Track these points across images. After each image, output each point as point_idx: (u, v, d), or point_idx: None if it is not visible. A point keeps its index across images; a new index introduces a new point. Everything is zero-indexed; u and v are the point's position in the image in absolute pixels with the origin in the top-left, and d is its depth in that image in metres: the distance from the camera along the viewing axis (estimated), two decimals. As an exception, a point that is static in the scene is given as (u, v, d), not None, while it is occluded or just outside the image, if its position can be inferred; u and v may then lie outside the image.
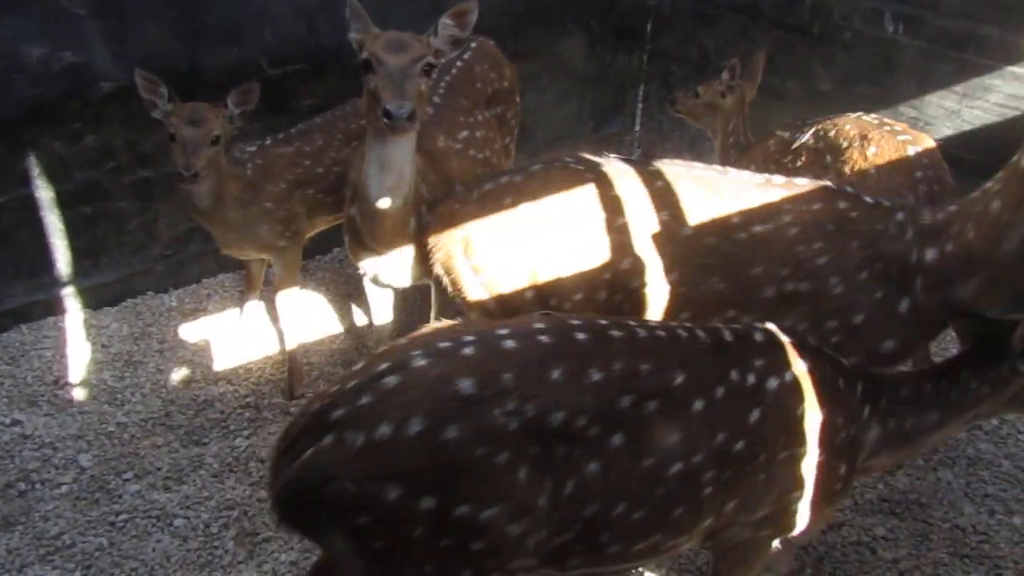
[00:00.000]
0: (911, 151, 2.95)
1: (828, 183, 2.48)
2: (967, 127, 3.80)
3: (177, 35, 3.86)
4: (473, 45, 3.70)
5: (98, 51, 3.72)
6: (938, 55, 3.81)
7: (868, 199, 2.38)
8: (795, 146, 3.31)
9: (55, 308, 4.07)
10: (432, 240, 2.71)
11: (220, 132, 3.17)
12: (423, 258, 2.84)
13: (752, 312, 2.38)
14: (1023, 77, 3.57)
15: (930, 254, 2.24)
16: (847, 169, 3.02)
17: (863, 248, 2.28)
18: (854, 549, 2.96)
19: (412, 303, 3.96)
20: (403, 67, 2.60)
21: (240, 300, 4.21)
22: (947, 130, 3.68)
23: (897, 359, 2.45)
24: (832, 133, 3.20)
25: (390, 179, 2.80)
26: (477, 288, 2.65)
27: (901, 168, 2.91)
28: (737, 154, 3.86)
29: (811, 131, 3.30)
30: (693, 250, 2.44)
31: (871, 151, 3.00)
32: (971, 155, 3.77)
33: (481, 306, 2.67)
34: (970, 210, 2.23)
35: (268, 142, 3.59)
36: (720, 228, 2.44)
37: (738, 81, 3.88)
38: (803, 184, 2.49)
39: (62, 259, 4.00)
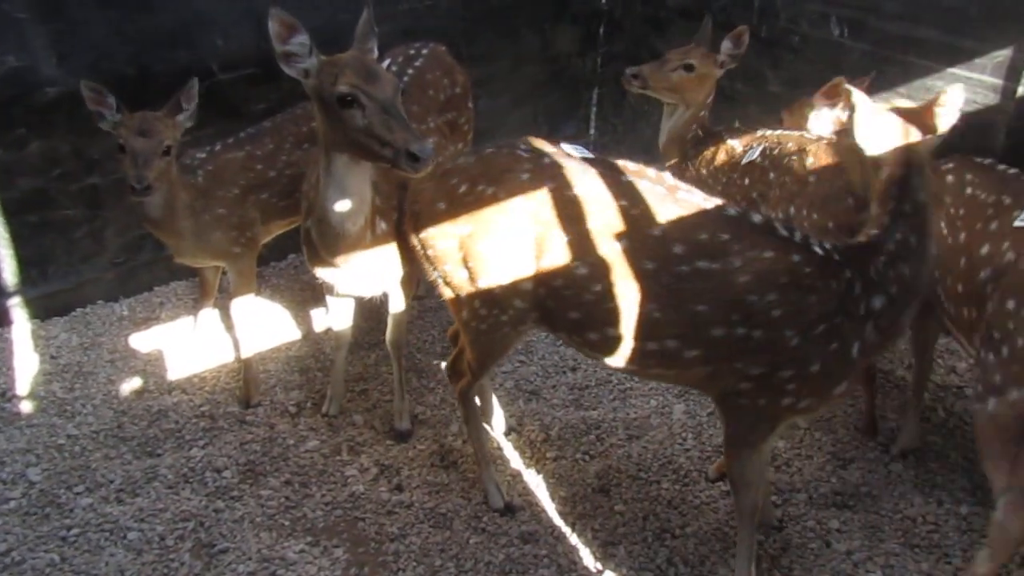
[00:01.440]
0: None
1: (780, 230, 2.45)
2: (911, 127, 3.89)
3: (124, 39, 3.79)
4: (425, 51, 3.69)
5: (42, 56, 3.64)
6: (882, 57, 3.91)
7: (818, 251, 2.40)
8: (744, 163, 3.36)
9: (1, 319, 3.98)
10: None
11: (171, 142, 3.11)
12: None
13: (697, 347, 2.45)
14: (963, 79, 3.67)
15: (878, 302, 2.35)
16: (788, 180, 3.10)
17: (820, 304, 2.35)
18: (810, 542, 3.02)
19: (370, 309, 3.94)
20: (391, 98, 2.55)
21: (194, 308, 4.15)
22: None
23: (845, 394, 2.63)
24: (776, 151, 3.29)
25: (352, 203, 2.79)
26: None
27: (839, 175, 2.98)
28: (692, 150, 3.83)
29: (759, 149, 3.36)
30: (630, 267, 2.45)
31: (808, 161, 3.08)
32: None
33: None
34: (894, 251, 2.33)
35: (218, 147, 3.54)
36: (661, 255, 2.44)
37: (740, 51, 3.71)
38: (756, 224, 2.45)
39: (8, 269, 3.91)
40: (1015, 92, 3.51)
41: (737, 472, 2.66)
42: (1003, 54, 3.51)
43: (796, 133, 3.40)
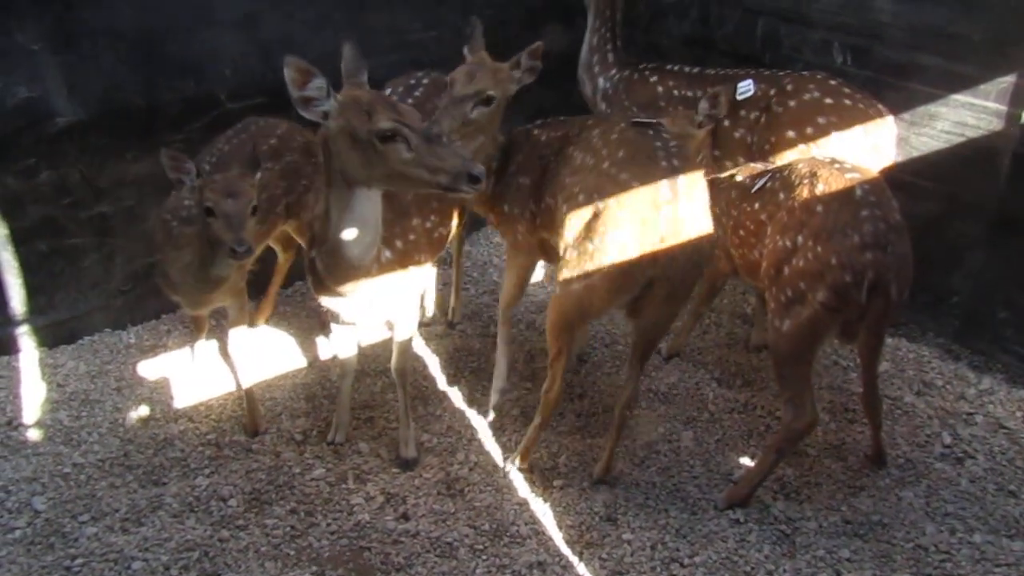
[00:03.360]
0: (857, 190, 2.99)
1: None
2: (915, 153, 3.90)
3: (134, 69, 3.83)
4: (425, 81, 3.72)
5: (54, 86, 3.68)
6: (885, 84, 3.92)
7: None
8: (755, 190, 3.36)
9: (9, 347, 3.99)
10: None
11: (256, 201, 3.07)
12: None
13: None
14: (966, 105, 3.69)
15: None
16: (796, 206, 3.08)
17: None
18: (820, 572, 2.98)
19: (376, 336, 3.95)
20: (429, 128, 2.63)
21: (189, 341, 4.17)
22: (896, 157, 3.78)
23: None
24: (787, 172, 3.26)
25: (366, 235, 2.81)
26: None
27: (846, 206, 2.95)
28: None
29: (769, 174, 3.35)
30: None
31: (819, 188, 3.05)
32: (920, 181, 3.89)
33: None
34: None
35: None
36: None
37: (717, 111, 3.72)
38: None
39: (16, 297, 3.93)
40: (1019, 118, 3.52)
41: None
42: (1007, 80, 3.52)
43: (809, 155, 3.39)
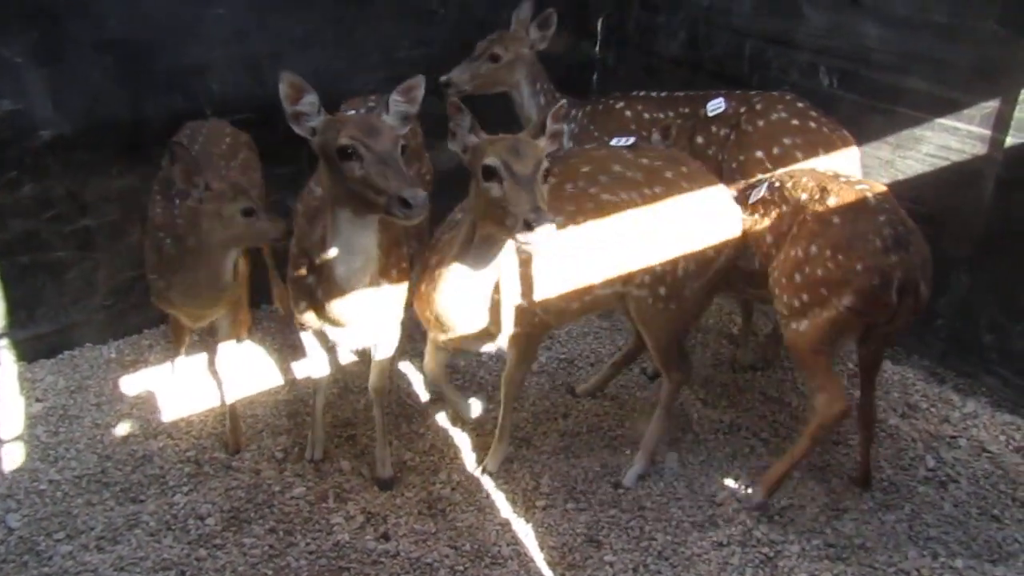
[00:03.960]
0: (871, 198, 3.03)
1: None
2: (900, 176, 3.92)
3: (119, 83, 3.82)
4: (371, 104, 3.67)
5: (38, 99, 3.66)
6: (871, 108, 3.95)
7: None
8: (752, 202, 3.37)
9: (-13, 361, 3.95)
10: None
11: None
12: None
13: None
14: (951, 129, 3.71)
15: None
16: (809, 220, 3.08)
17: None
18: (802, 596, 2.97)
19: (360, 353, 3.92)
20: (390, 150, 2.57)
21: (169, 356, 4.15)
22: (882, 179, 3.79)
23: None
24: (789, 184, 3.26)
25: (359, 260, 2.80)
26: None
27: (863, 215, 2.98)
28: None
29: (765, 185, 3.36)
30: None
31: (831, 201, 3.07)
32: (904, 203, 3.88)
33: None
34: None
35: None
36: None
37: (670, 143, 3.69)
38: None
39: (-4, 310, 3.90)
40: (1003, 143, 3.54)
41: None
42: (991, 105, 3.55)
43: (808, 168, 3.40)
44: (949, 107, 3.68)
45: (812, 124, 3.69)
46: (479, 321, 2.96)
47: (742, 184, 3.57)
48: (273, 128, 3.99)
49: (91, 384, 3.94)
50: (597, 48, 5.27)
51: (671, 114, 4.04)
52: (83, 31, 3.68)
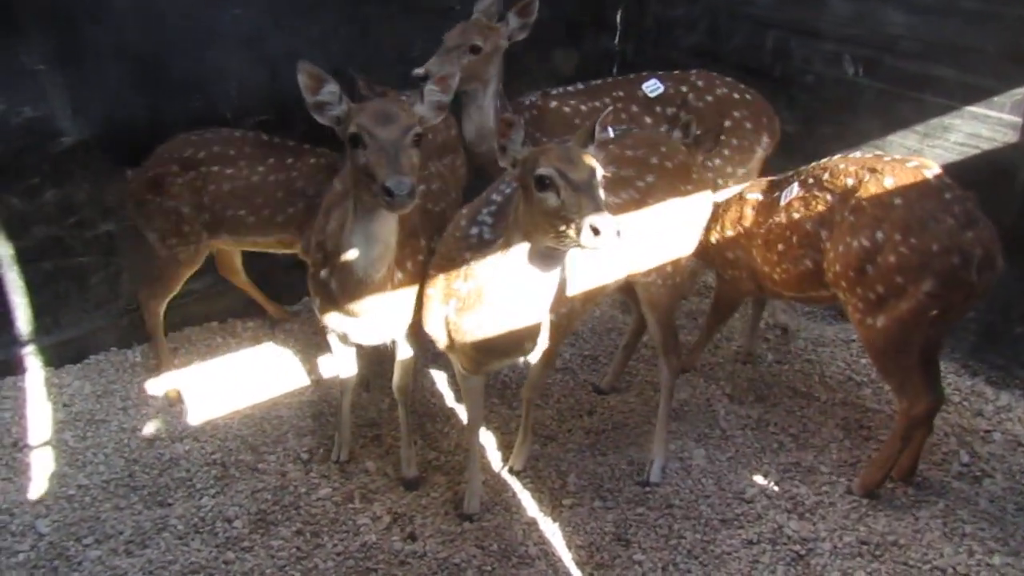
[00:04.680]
0: (929, 175, 2.95)
1: None
2: (929, 166, 3.84)
3: (138, 87, 3.82)
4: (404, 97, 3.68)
5: (58, 105, 3.67)
6: (898, 96, 3.88)
7: None
8: (784, 203, 3.31)
9: (14, 367, 3.97)
10: None
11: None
12: None
13: None
14: (980, 116, 3.63)
15: None
16: (866, 205, 2.99)
17: None
18: (835, 594, 2.93)
19: (377, 353, 3.90)
20: (395, 139, 2.51)
21: (204, 355, 4.16)
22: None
23: None
24: (826, 176, 3.18)
25: (377, 251, 2.76)
26: None
27: (928, 194, 2.90)
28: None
29: (795, 183, 3.30)
30: None
31: (888, 182, 2.98)
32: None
33: None
34: None
35: None
36: None
37: (691, 140, 3.58)
38: None
39: (22, 317, 3.91)
40: (1037, 129, 3.46)
41: None
42: (1021, 91, 3.47)
43: (839, 156, 3.33)
44: (978, 94, 3.61)
45: (748, 96, 3.98)
46: (536, 344, 2.88)
47: (760, 188, 3.52)
48: (291, 129, 4.03)
49: (117, 388, 3.96)
50: (616, 41, 5.22)
51: (607, 100, 4.02)
52: (101, 37, 3.68)
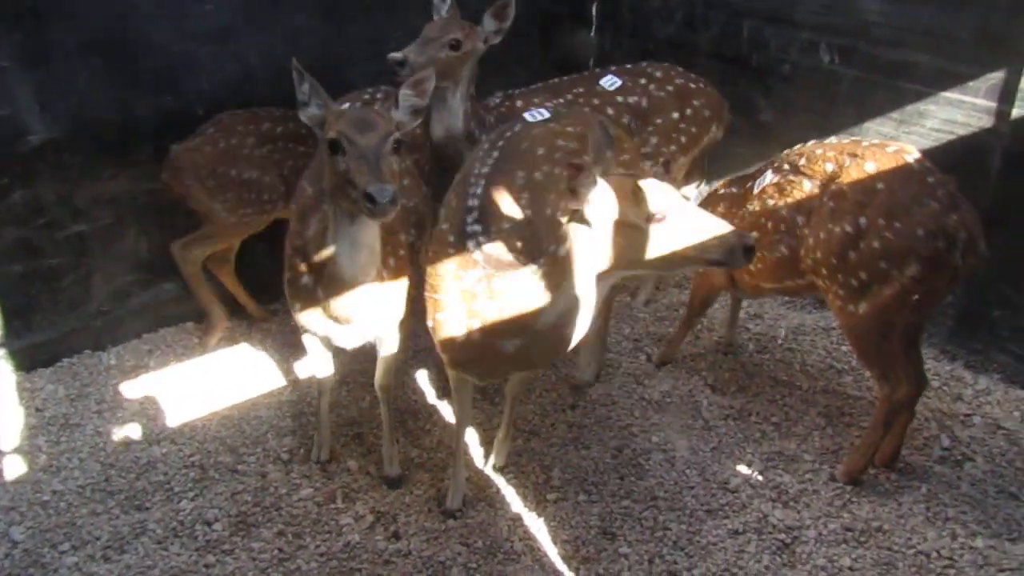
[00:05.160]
0: (910, 159, 2.95)
1: None
2: (906, 153, 3.86)
3: (108, 85, 3.74)
4: (379, 96, 3.64)
5: (25, 104, 3.58)
6: (874, 83, 3.88)
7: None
8: (757, 191, 3.30)
9: (-15, 372, 3.89)
10: None
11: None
12: None
13: None
14: (956, 102, 3.65)
15: None
16: (847, 191, 2.98)
17: None
18: (821, 582, 2.93)
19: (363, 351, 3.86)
20: (375, 146, 2.49)
21: (181, 356, 4.10)
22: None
23: None
24: (802, 162, 3.18)
25: (363, 256, 2.73)
26: None
27: (911, 178, 2.90)
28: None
29: (768, 172, 3.29)
30: None
31: (869, 167, 2.97)
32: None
33: None
34: None
35: None
36: None
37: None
38: None
39: (-8, 321, 3.84)
40: (1009, 114, 3.47)
41: None
42: (996, 77, 3.48)
43: (814, 142, 3.33)
44: (953, 80, 3.62)
45: (702, 85, 4.07)
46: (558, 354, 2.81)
47: (738, 181, 3.54)
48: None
49: (91, 391, 3.88)
50: (592, 33, 5.20)
51: (568, 97, 4.02)
52: (69, 33, 3.60)
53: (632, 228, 2.41)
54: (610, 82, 4.04)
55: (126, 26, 3.73)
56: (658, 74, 4.07)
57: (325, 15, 4.22)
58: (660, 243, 2.40)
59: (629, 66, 4.17)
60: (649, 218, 2.38)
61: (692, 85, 4.05)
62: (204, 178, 3.77)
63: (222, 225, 3.88)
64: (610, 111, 3.98)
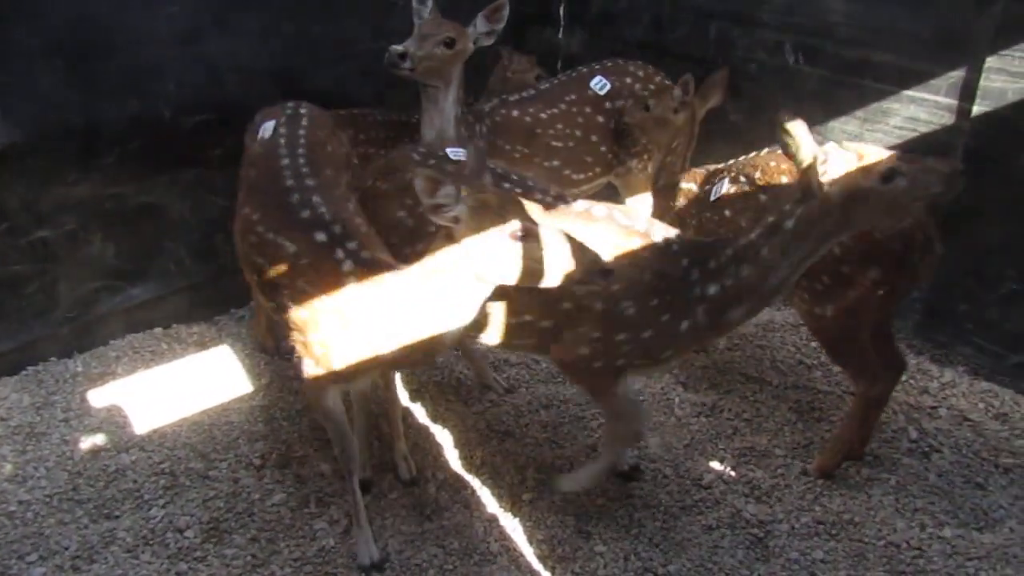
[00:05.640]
0: (870, 160, 2.98)
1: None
2: (870, 150, 3.91)
3: (72, 89, 3.68)
4: (303, 111, 3.37)
5: (-14, 109, 3.53)
6: (838, 82, 3.94)
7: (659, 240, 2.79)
8: (714, 199, 3.33)
9: (-53, 381, 3.81)
10: None
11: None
12: None
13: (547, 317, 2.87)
14: (919, 100, 3.71)
15: (712, 289, 2.71)
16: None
17: (656, 280, 2.74)
18: (794, 574, 2.95)
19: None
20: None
21: (149, 362, 4.04)
22: (852, 154, 3.78)
23: (672, 360, 2.99)
24: (757, 175, 3.22)
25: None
26: None
27: None
28: (663, 192, 3.81)
29: (725, 181, 3.33)
30: None
31: (826, 177, 3.00)
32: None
33: None
34: (743, 254, 2.67)
35: None
36: None
37: (691, 98, 3.79)
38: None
39: (-47, 329, 3.76)
40: (970, 111, 3.54)
41: (611, 409, 3.07)
42: (956, 74, 3.55)
43: (766, 152, 3.36)
44: (916, 78, 3.68)
45: (663, 79, 4.24)
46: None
47: (694, 179, 3.58)
48: (234, 129, 3.93)
49: (57, 400, 3.82)
50: (560, 34, 5.22)
51: (562, 107, 4.08)
52: (30, 36, 3.54)
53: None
54: (600, 84, 4.08)
55: (89, 28, 3.67)
56: (641, 73, 4.18)
57: (291, 17, 4.19)
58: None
59: (610, 64, 4.24)
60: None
61: (667, 83, 4.15)
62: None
63: None
64: (600, 119, 4.11)
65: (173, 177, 4.06)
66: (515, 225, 2.37)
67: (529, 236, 2.38)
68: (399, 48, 3.48)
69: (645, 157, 4.09)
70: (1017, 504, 3.20)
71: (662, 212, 3.73)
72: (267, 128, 3.21)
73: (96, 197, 3.89)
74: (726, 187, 3.31)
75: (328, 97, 3.84)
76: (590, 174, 4.22)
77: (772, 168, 3.19)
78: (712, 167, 3.58)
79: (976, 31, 3.47)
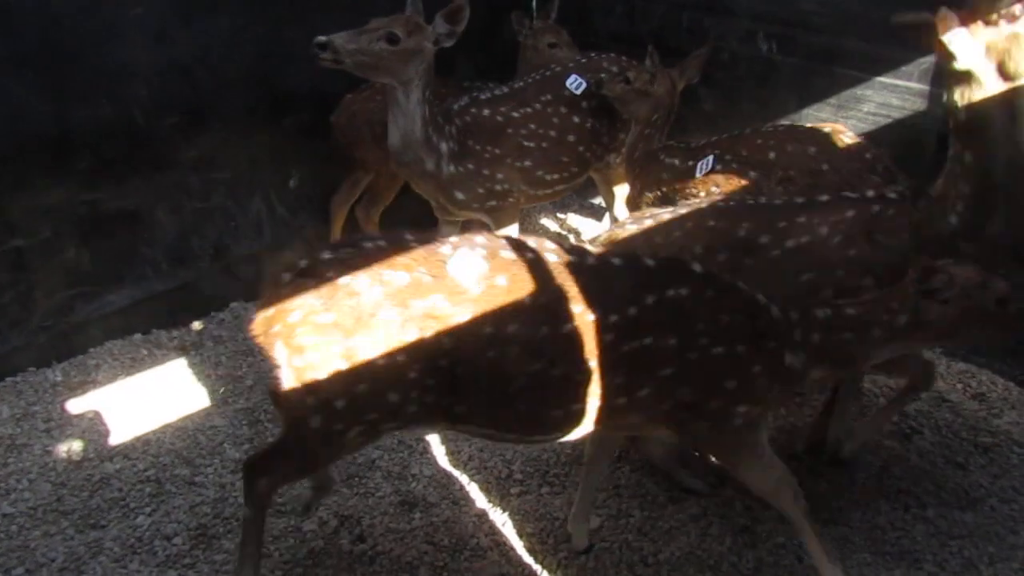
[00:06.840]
0: (846, 138, 3.04)
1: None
2: (844, 137, 3.96)
3: (43, 96, 3.63)
4: None
5: (-46, 116, 3.47)
6: (811, 70, 3.98)
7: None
8: (700, 176, 3.35)
9: (-76, 395, 3.75)
10: None
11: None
12: None
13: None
14: (891, 87, 3.75)
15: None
16: (795, 175, 3.05)
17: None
18: (782, 559, 2.99)
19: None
20: None
21: (130, 369, 4.00)
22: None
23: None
24: (744, 152, 3.25)
25: None
26: None
27: (852, 156, 2.99)
28: (638, 167, 3.80)
29: (710, 157, 3.35)
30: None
31: (812, 150, 3.04)
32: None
33: None
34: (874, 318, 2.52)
35: None
36: None
37: (657, 67, 3.76)
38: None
39: (-72, 341, 3.70)
40: (941, 97, 3.57)
41: (757, 481, 2.70)
42: (928, 60, 3.59)
43: (750, 130, 3.39)
44: (888, 65, 3.72)
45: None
46: None
47: (673, 156, 3.60)
48: (207, 130, 3.91)
49: (38, 410, 3.77)
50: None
51: (537, 106, 4.03)
52: (-2, 42, 3.49)
53: None
54: (575, 83, 4.03)
55: (57, 32, 3.62)
56: (615, 68, 4.10)
57: (264, 17, 4.15)
58: None
59: (584, 60, 4.22)
60: None
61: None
62: (374, 124, 3.91)
63: (382, 175, 4.10)
64: (576, 119, 4.07)
65: (147, 180, 4.02)
66: None
67: None
68: (321, 38, 3.39)
69: (623, 150, 4.10)
70: (997, 483, 3.26)
71: (636, 185, 3.75)
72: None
73: (70, 203, 3.85)
74: (711, 164, 3.33)
75: (301, 97, 3.83)
76: (566, 174, 4.14)
77: (758, 146, 3.22)
78: (692, 142, 3.59)
79: (946, 17, 3.51)
